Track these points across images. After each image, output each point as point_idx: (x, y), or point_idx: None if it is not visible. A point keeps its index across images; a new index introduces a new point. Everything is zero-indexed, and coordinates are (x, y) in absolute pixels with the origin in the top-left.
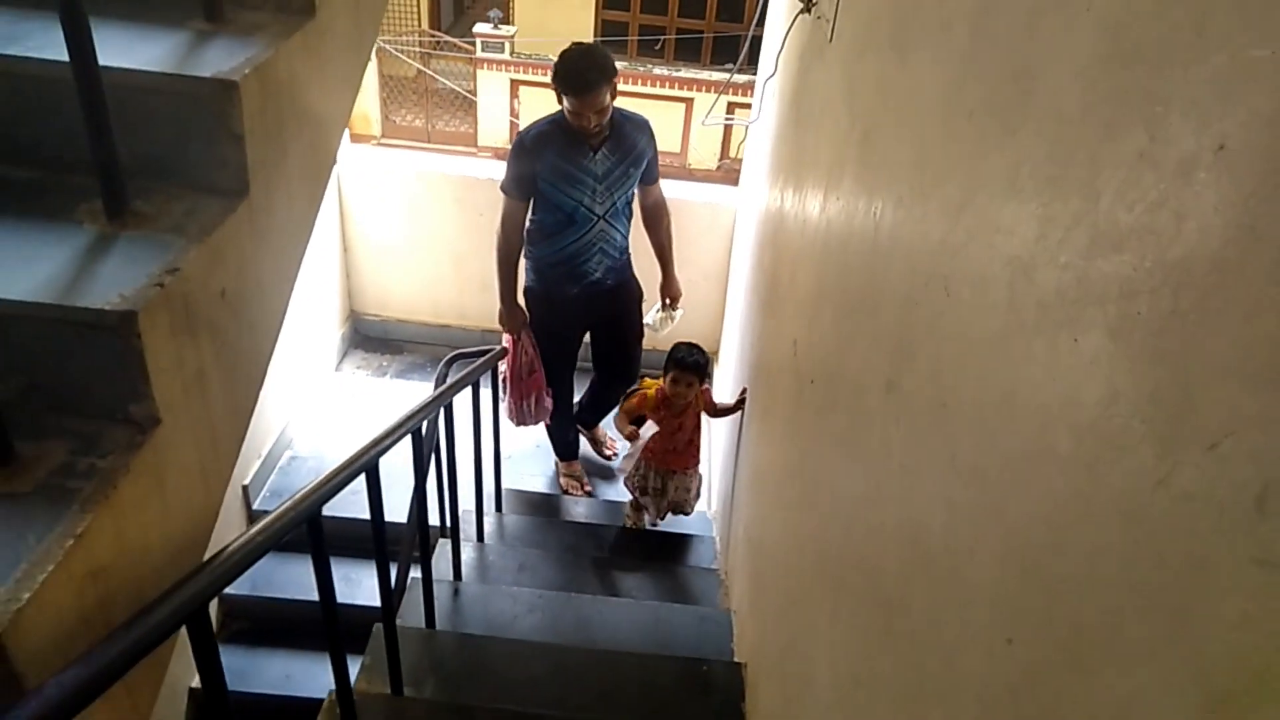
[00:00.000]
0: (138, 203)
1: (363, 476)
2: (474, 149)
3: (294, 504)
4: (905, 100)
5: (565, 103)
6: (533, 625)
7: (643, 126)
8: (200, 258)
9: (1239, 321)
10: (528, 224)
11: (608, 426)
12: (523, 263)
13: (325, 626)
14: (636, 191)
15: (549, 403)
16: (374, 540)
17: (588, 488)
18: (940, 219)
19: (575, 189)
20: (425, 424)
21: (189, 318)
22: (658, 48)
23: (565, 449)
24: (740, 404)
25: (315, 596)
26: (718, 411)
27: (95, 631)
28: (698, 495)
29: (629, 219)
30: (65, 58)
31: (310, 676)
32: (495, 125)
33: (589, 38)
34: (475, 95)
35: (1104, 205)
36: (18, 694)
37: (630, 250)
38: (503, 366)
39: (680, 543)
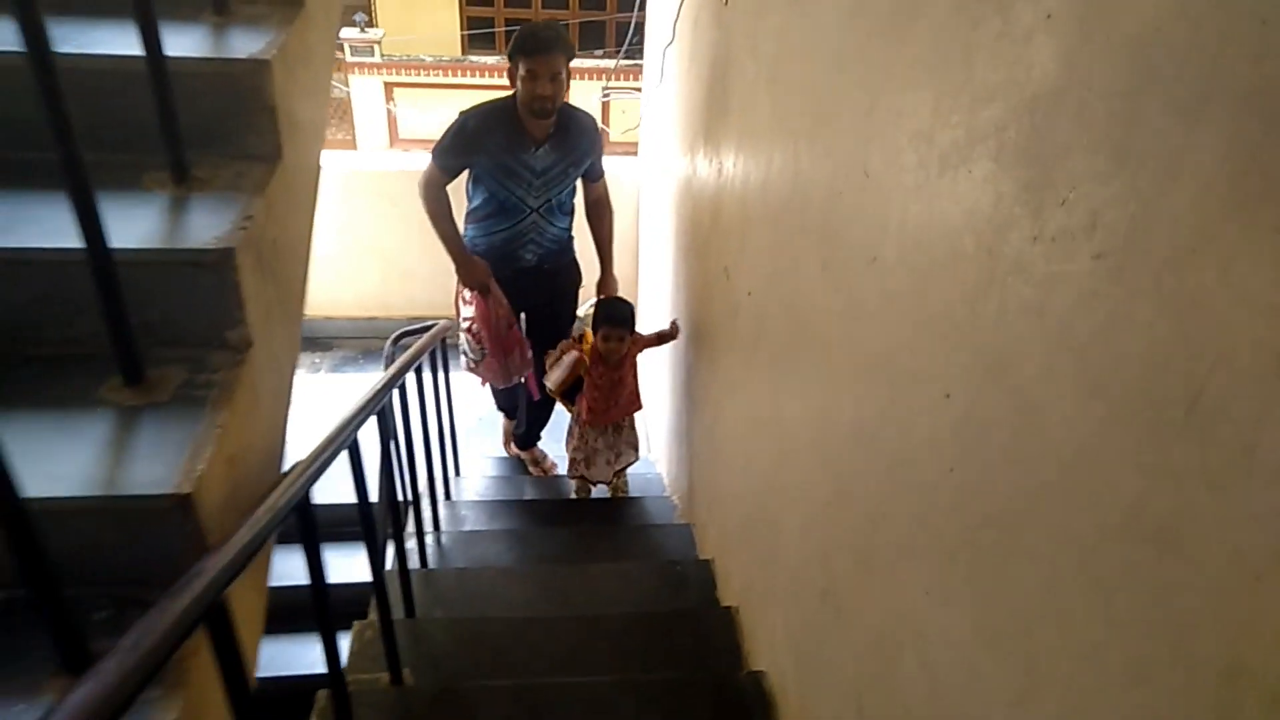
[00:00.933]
0: (194, 170)
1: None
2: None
3: (283, 488)
4: (808, 41)
5: (520, 68)
6: (512, 600)
7: (587, 127)
8: (260, 209)
9: (1073, 120)
10: (467, 205)
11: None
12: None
13: (318, 616)
14: (580, 186)
15: (529, 355)
16: (361, 522)
17: (553, 471)
18: (852, 122)
19: (511, 181)
20: (388, 400)
21: (260, 259)
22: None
23: (527, 439)
24: (669, 333)
25: (288, 582)
26: (649, 343)
27: (233, 509)
28: (637, 441)
29: (569, 213)
30: (135, 52)
31: (293, 657)
32: (372, 129)
33: (455, 34)
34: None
35: (978, 74)
36: (202, 547)
37: (572, 236)
38: (469, 327)
39: (634, 503)
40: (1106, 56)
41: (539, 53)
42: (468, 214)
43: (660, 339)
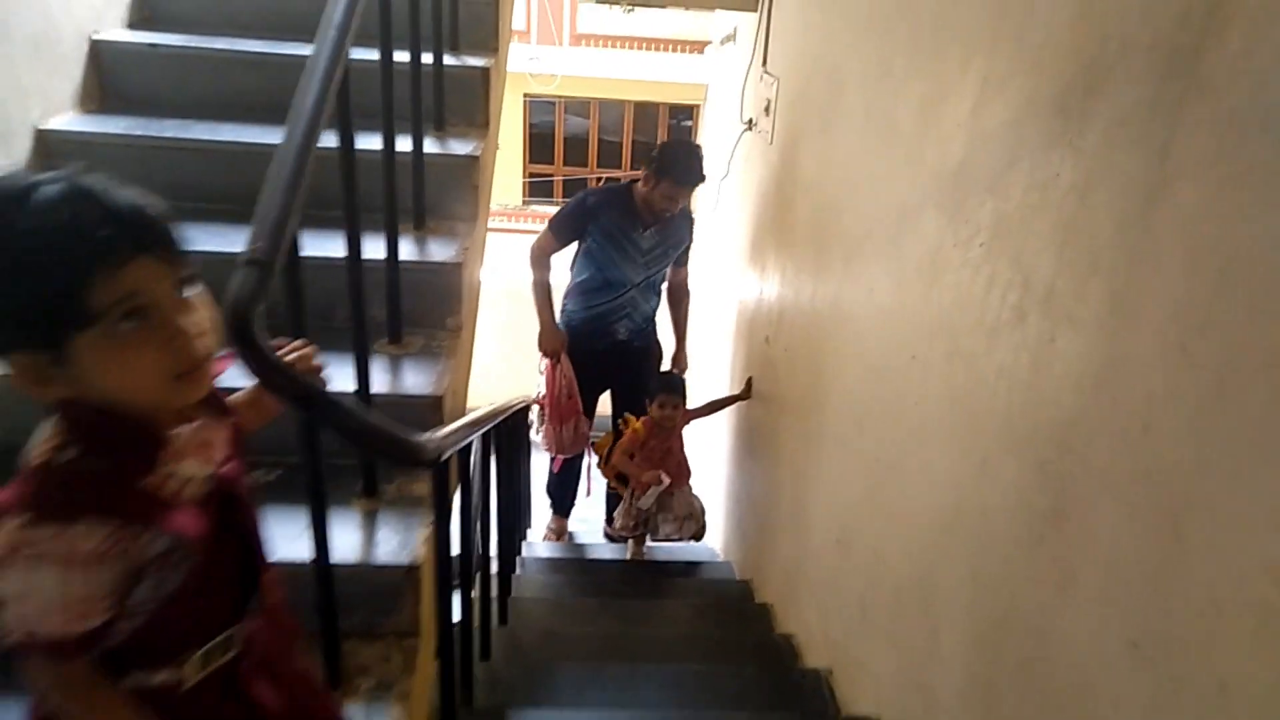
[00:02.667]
0: (428, 224)
1: None
2: None
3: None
4: (831, 153)
5: (659, 186)
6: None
7: (689, 219)
8: (468, 247)
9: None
10: (571, 280)
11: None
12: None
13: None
14: (668, 271)
15: (587, 430)
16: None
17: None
18: (882, 245)
19: (620, 255)
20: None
21: (469, 274)
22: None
23: (562, 504)
24: (727, 400)
25: None
26: (700, 414)
27: (451, 417)
28: (703, 512)
29: (659, 294)
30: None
31: None
32: None
33: (518, 185)
34: None
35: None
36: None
37: (655, 320)
38: (538, 394)
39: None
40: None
41: (686, 185)
42: (571, 288)
43: (716, 406)
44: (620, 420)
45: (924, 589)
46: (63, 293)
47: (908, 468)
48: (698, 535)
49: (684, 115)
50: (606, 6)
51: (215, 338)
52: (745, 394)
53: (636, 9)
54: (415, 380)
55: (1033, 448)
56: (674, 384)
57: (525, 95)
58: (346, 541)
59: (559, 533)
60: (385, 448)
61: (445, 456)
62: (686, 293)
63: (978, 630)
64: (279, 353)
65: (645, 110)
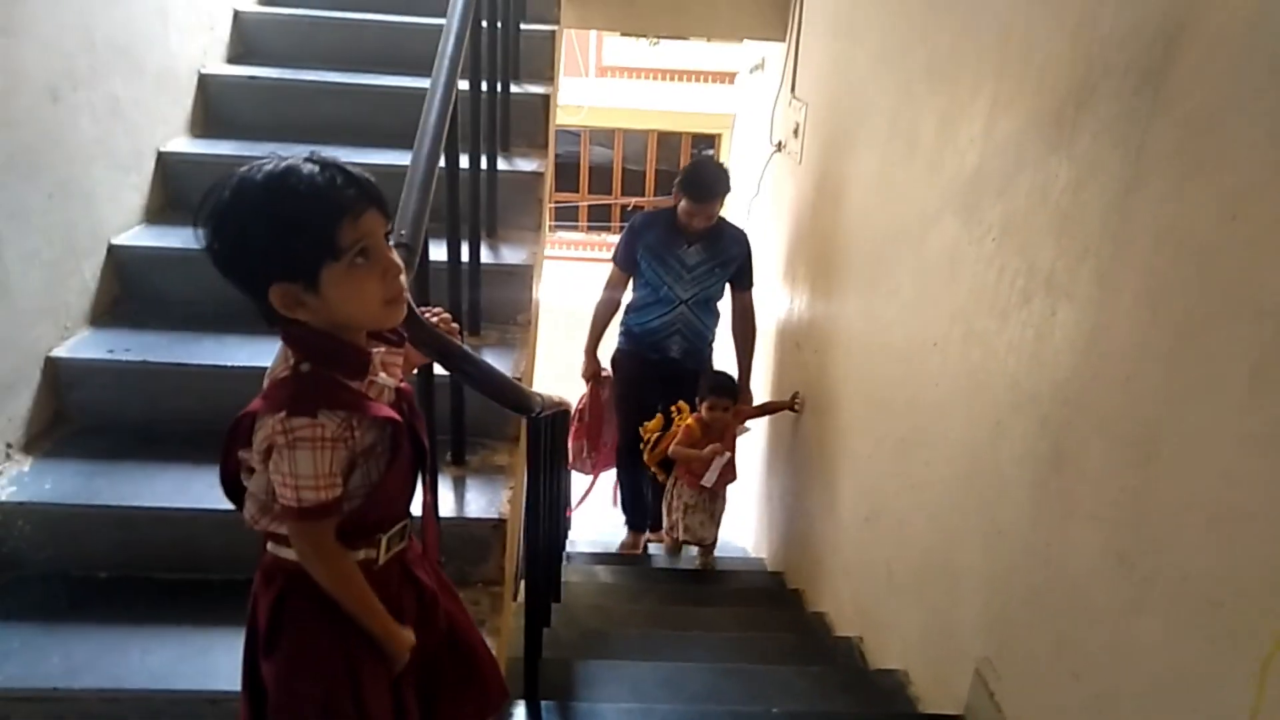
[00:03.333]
0: (499, 232)
1: None
2: None
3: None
4: (858, 169)
5: (681, 203)
6: None
7: (740, 239)
8: (535, 253)
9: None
10: (629, 297)
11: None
12: (619, 330)
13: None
14: (731, 293)
15: (601, 459)
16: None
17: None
18: (882, 196)
19: (665, 270)
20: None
21: (537, 279)
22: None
23: (633, 517)
24: (779, 405)
25: None
26: (752, 414)
27: None
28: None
29: (714, 315)
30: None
31: None
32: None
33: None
34: None
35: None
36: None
37: (713, 343)
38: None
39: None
40: None
41: (699, 200)
42: (629, 305)
43: (764, 410)
44: (674, 408)
45: (946, 546)
46: (323, 233)
47: (930, 441)
48: (714, 543)
49: (706, 144)
50: (633, 39)
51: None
52: (794, 406)
53: (661, 41)
54: (495, 365)
55: (1036, 406)
56: (724, 384)
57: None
58: (442, 500)
59: (633, 546)
60: (507, 394)
61: (545, 413)
62: (750, 320)
63: (993, 571)
64: (424, 316)
65: (668, 139)
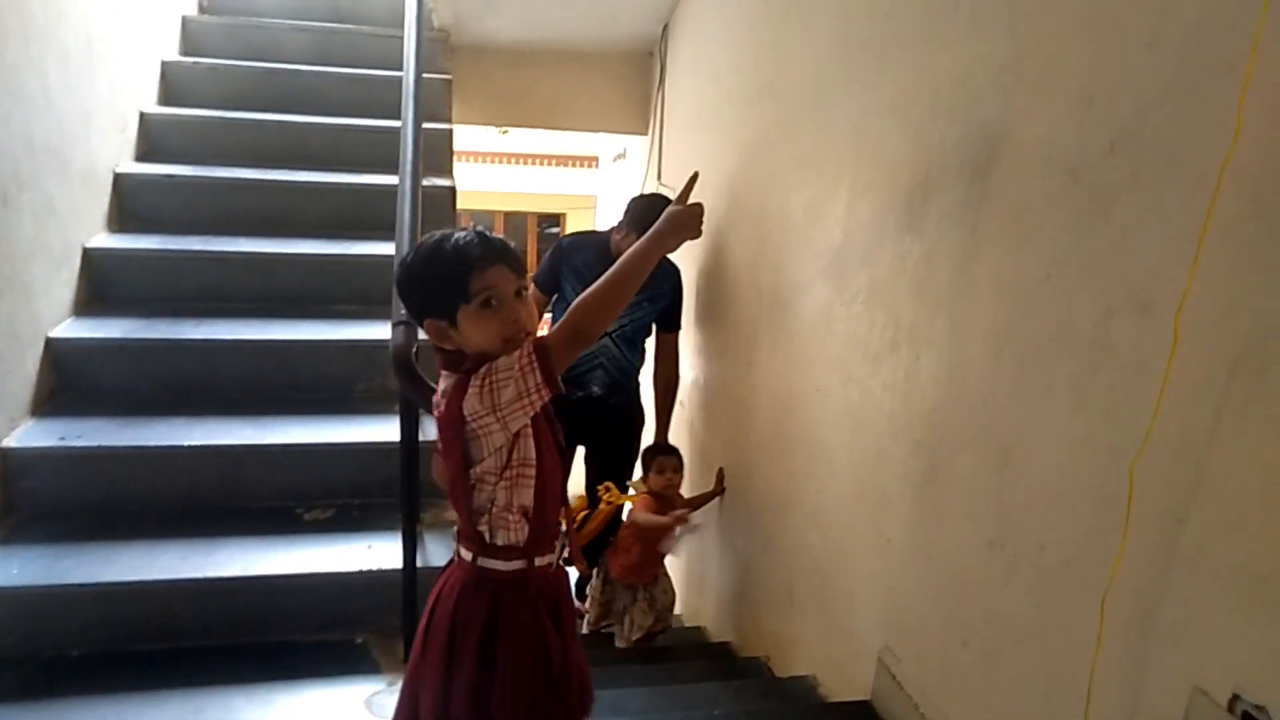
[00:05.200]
0: None
1: None
2: None
3: None
4: (730, 247)
5: (627, 239)
6: None
7: (671, 274)
8: None
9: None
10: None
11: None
12: None
13: None
14: (655, 335)
15: None
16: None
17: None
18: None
19: None
20: None
21: None
22: None
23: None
24: (702, 498)
25: None
26: (687, 509)
27: None
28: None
29: (639, 351)
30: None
31: None
32: None
33: None
34: None
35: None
36: None
37: (639, 383)
38: None
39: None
40: None
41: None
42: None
43: (697, 503)
44: (600, 488)
45: (841, 560)
46: (458, 281)
47: (819, 473)
48: (666, 628)
49: (550, 223)
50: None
51: (535, 324)
52: (719, 488)
53: (510, 130)
54: None
55: (910, 432)
56: (670, 447)
57: None
58: (399, 551)
59: None
60: None
61: None
62: (674, 365)
63: (885, 573)
64: None
65: (514, 219)
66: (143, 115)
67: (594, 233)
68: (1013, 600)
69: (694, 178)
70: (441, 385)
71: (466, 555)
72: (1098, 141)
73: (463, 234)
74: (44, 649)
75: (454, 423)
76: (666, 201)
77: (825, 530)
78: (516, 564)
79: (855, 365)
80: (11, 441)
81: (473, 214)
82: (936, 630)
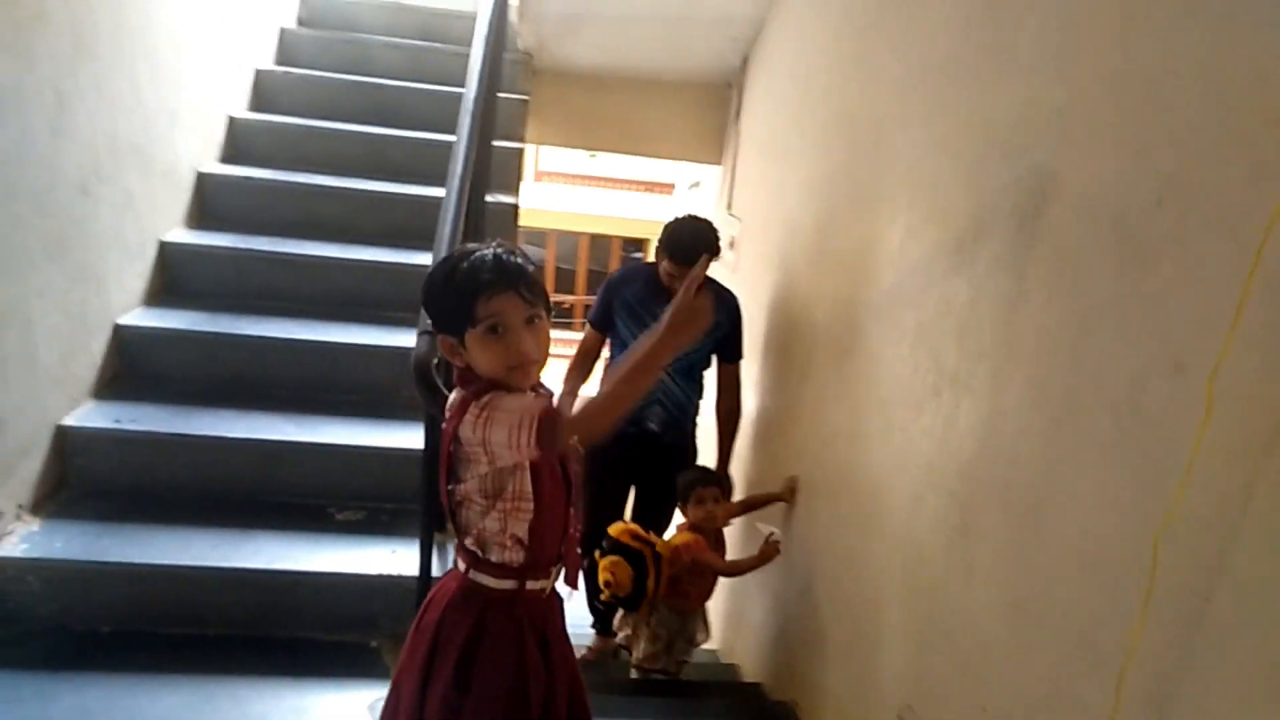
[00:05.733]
0: None
1: None
2: None
3: None
4: (788, 281)
5: (663, 264)
6: None
7: (729, 302)
8: None
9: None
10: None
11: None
12: None
13: None
14: (716, 366)
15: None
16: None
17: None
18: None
19: (642, 329)
20: None
21: None
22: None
23: (603, 619)
24: (761, 498)
25: None
26: (735, 512)
27: None
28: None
29: (697, 385)
30: None
31: None
32: None
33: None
34: None
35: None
36: None
37: (696, 422)
38: None
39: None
40: None
41: (681, 262)
42: (605, 371)
43: (748, 505)
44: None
45: (873, 608)
46: (465, 305)
47: (860, 516)
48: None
49: (634, 247)
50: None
51: (545, 354)
52: (788, 495)
53: (599, 153)
54: None
55: (946, 482)
56: (711, 475)
57: None
58: (433, 562)
59: (601, 652)
60: None
61: None
62: (736, 397)
63: (912, 626)
64: None
65: (600, 241)
66: (231, 119)
67: (644, 264)
68: (1031, 668)
69: (697, 279)
70: (451, 398)
71: (461, 566)
72: (1145, 193)
73: (482, 254)
74: (76, 623)
75: (449, 439)
76: (692, 223)
77: (861, 577)
78: (508, 583)
79: (899, 409)
80: (71, 420)
81: (560, 235)
82: (957, 693)
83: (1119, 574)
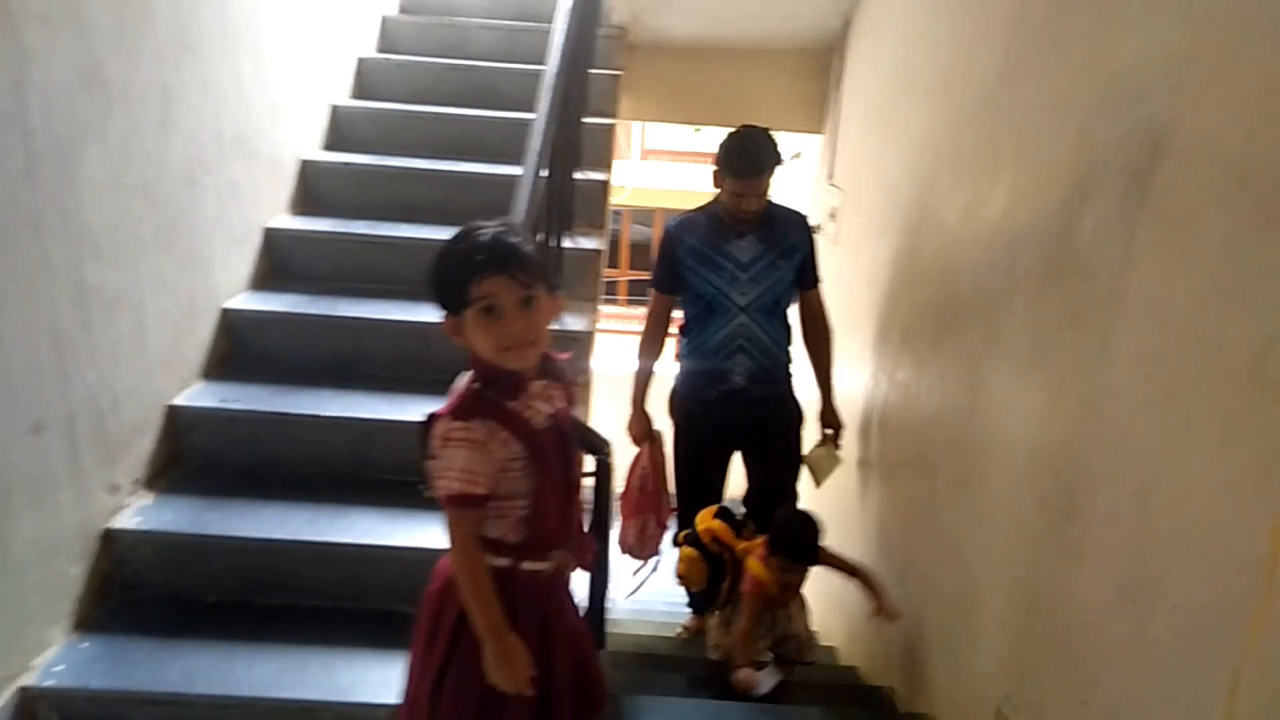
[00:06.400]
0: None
1: None
2: None
3: None
4: (889, 251)
5: (726, 184)
6: None
7: (798, 221)
8: (595, 319)
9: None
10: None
11: None
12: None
13: None
14: (794, 295)
15: (658, 533)
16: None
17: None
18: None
19: (714, 274)
20: None
21: (592, 345)
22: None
23: (699, 596)
24: (861, 575)
25: None
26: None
27: None
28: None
29: (783, 324)
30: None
31: None
32: None
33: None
34: None
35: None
36: None
37: (790, 367)
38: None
39: None
40: None
41: (747, 176)
42: (680, 331)
43: (845, 570)
44: (746, 522)
45: (972, 593)
46: (460, 285)
47: (958, 496)
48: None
49: None
50: (676, 125)
51: (540, 335)
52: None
53: (704, 128)
54: None
55: (1050, 462)
56: (801, 544)
57: None
58: None
59: (698, 630)
60: (586, 435)
61: (609, 456)
62: (824, 323)
63: (1013, 613)
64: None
65: None
66: (334, 108)
67: (698, 209)
68: (1139, 661)
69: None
70: (457, 382)
71: None
72: (1270, 141)
73: (479, 234)
74: (184, 592)
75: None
76: (750, 133)
77: (960, 560)
78: (502, 561)
79: (1000, 385)
80: (181, 400)
81: (666, 213)
82: (1058, 684)
83: (1237, 563)
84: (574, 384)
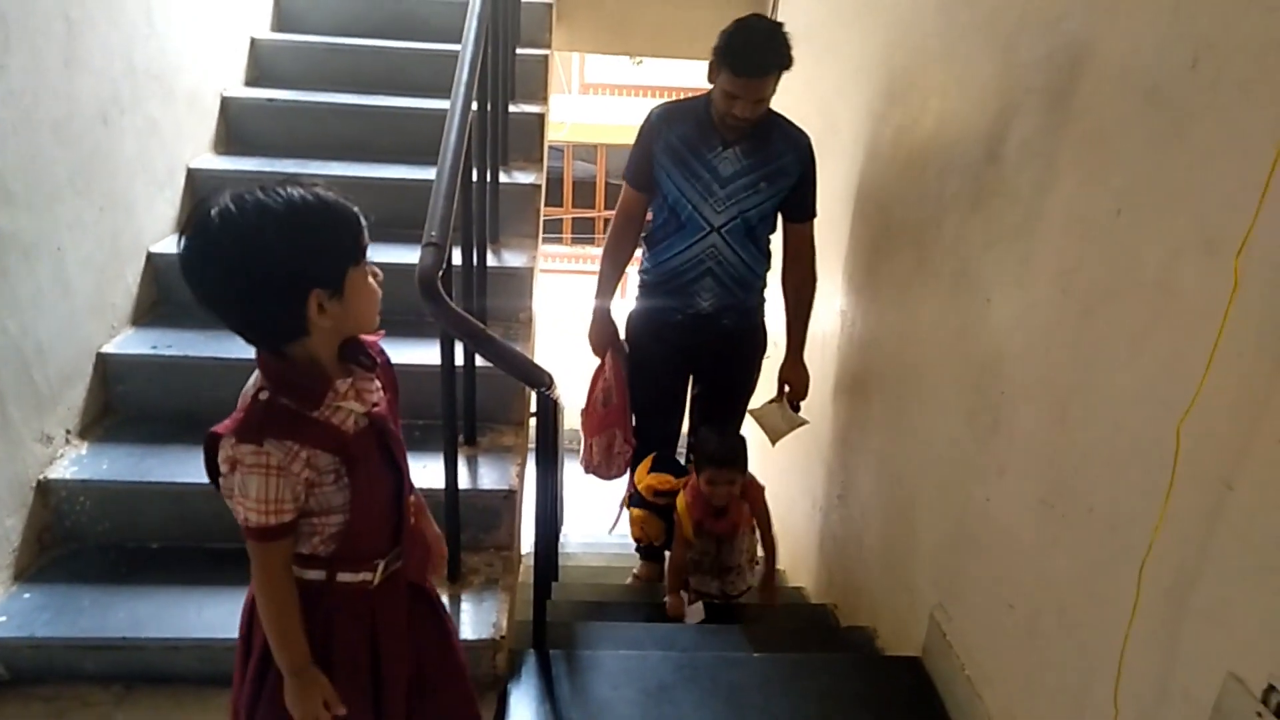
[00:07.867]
0: (500, 239)
1: None
2: None
3: None
4: (824, 176)
5: (720, 79)
6: None
7: (798, 142)
8: (534, 256)
9: None
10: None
11: None
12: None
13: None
14: (782, 226)
15: (624, 450)
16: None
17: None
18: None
19: (688, 182)
20: None
21: (534, 280)
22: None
23: (649, 547)
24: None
25: None
26: (764, 519)
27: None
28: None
29: (762, 251)
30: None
31: None
32: None
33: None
34: None
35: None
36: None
37: (763, 297)
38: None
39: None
40: None
41: (743, 75)
42: (645, 239)
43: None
44: (689, 461)
45: (907, 511)
46: (351, 240)
47: (895, 417)
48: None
49: None
50: (615, 58)
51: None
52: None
53: (644, 60)
54: None
55: (978, 380)
56: (724, 451)
57: None
58: (459, 476)
59: (648, 578)
60: (523, 368)
61: (553, 386)
62: (809, 266)
63: (943, 527)
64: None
65: None
66: (253, 41)
67: (692, 97)
68: (1058, 564)
69: None
70: (247, 388)
71: None
72: (1179, 56)
73: (319, 191)
74: (128, 540)
75: None
76: (761, 25)
77: (897, 479)
78: (315, 574)
79: (931, 306)
80: (110, 348)
81: (610, 149)
82: (986, 590)
83: (1145, 465)
84: (391, 368)
